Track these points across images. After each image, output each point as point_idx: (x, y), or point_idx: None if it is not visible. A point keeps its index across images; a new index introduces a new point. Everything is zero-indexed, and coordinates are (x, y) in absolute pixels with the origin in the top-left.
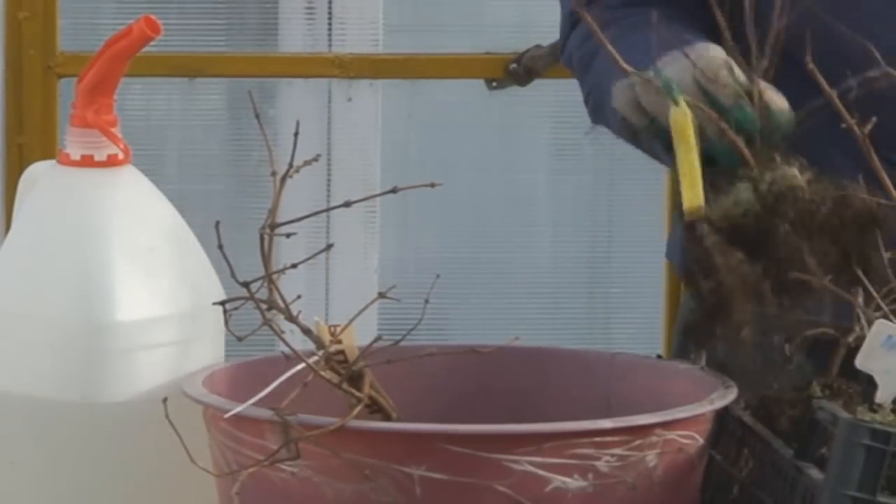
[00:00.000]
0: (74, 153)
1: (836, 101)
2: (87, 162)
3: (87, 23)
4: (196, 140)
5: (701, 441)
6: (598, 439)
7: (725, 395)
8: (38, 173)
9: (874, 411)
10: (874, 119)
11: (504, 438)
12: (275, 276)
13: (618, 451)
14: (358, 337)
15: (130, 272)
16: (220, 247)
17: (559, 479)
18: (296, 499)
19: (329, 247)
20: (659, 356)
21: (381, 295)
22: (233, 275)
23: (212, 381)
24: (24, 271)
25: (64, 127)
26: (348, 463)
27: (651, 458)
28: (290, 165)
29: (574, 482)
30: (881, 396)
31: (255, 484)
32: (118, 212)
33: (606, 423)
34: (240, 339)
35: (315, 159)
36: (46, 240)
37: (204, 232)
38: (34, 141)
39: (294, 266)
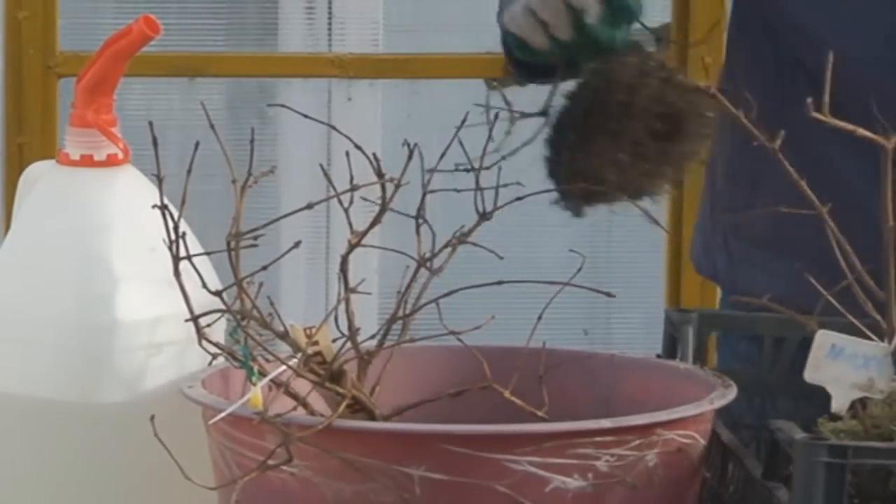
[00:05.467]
0: (74, 153)
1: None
2: (86, 162)
3: (87, 23)
4: (196, 140)
5: (701, 441)
6: (598, 439)
7: (725, 395)
8: (38, 173)
9: (837, 419)
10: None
11: (504, 438)
12: (246, 283)
13: (618, 451)
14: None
15: (130, 272)
16: (201, 254)
17: (559, 479)
18: (296, 499)
19: (298, 243)
20: (659, 356)
21: (353, 290)
22: (204, 285)
23: (211, 382)
24: (24, 271)
25: (64, 127)
26: (348, 463)
27: (651, 458)
28: (249, 174)
29: (574, 482)
30: (836, 406)
31: (256, 485)
32: (118, 212)
33: (606, 423)
34: (214, 356)
35: (271, 171)
36: (46, 240)
37: (204, 232)
38: (34, 141)
39: (265, 268)
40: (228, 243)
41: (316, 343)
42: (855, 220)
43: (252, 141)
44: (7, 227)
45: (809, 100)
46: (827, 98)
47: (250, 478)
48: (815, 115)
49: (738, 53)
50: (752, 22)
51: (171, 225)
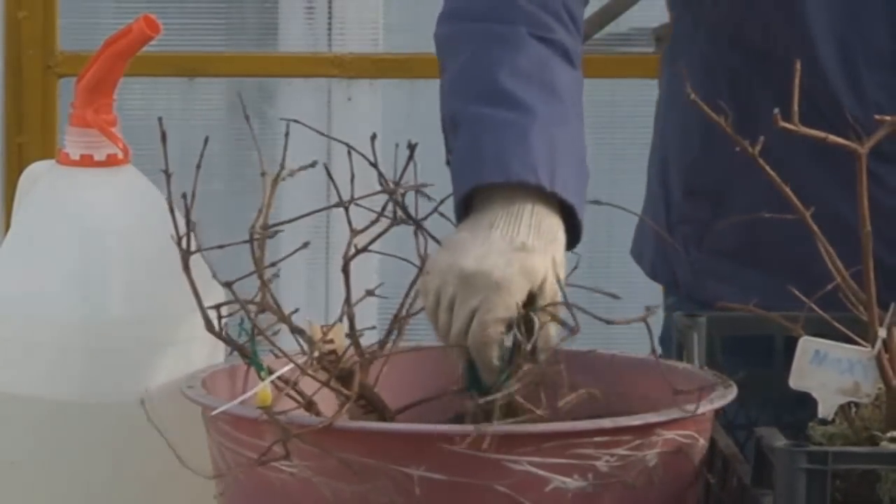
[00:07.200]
0: (74, 153)
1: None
2: (86, 162)
3: (87, 22)
4: (196, 140)
5: (701, 441)
6: (598, 439)
7: (725, 395)
8: (38, 173)
9: (828, 424)
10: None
11: (504, 438)
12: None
13: (618, 451)
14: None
15: (130, 272)
16: (214, 247)
17: (559, 479)
18: (295, 499)
19: (306, 244)
20: (659, 356)
21: (369, 293)
22: (214, 276)
23: (211, 382)
24: (24, 271)
25: (64, 127)
26: (348, 463)
27: (651, 458)
28: (282, 167)
29: (574, 482)
30: (823, 411)
31: (255, 484)
32: (118, 212)
33: (606, 423)
34: (232, 350)
35: (312, 164)
36: (46, 240)
37: (204, 232)
38: (34, 141)
39: (273, 265)
40: (251, 235)
41: (331, 341)
42: (821, 225)
43: (286, 135)
44: (7, 227)
45: (776, 111)
46: (795, 108)
47: (242, 472)
48: (784, 125)
49: (691, 65)
50: (698, 34)
51: (180, 219)
